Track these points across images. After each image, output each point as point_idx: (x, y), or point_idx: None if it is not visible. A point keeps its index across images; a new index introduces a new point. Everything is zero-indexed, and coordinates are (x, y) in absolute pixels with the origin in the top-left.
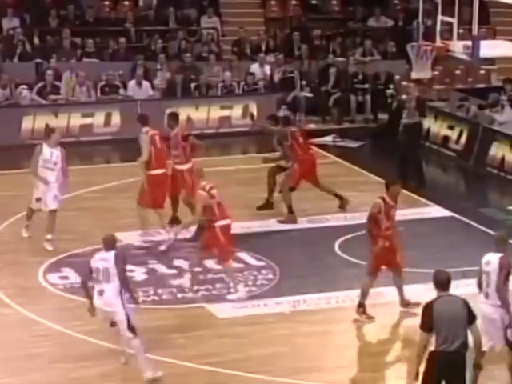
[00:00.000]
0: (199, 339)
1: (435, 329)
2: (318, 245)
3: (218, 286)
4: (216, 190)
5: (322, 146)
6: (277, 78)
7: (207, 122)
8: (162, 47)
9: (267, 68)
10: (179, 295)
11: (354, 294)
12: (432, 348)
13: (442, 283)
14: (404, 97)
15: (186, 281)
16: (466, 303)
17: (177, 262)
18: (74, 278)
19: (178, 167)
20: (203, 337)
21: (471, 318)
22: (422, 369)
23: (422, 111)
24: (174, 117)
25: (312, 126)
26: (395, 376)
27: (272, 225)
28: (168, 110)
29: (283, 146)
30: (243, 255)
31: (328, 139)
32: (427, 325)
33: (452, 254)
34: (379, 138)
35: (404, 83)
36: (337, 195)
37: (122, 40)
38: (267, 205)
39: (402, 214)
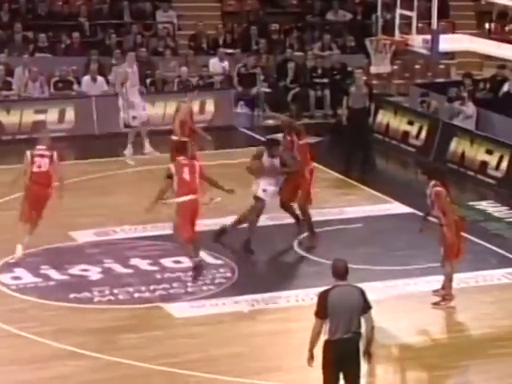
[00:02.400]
0: (156, 339)
1: (329, 317)
2: (278, 243)
3: (175, 285)
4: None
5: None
6: (237, 73)
7: (164, 118)
8: (116, 42)
9: (226, 63)
10: (136, 295)
11: (314, 292)
12: (326, 337)
13: (340, 272)
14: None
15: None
16: (362, 292)
17: (133, 261)
18: (27, 278)
19: None
20: (160, 337)
21: (366, 307)
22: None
23: (370, 97)
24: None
25: (270, 122)
26: None
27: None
28: None
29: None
30: (201, 254)
31: None
32: (322, 312)
33: (412, 251)
34: (339, 133)
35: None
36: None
37: (76, 34)
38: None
39: (361, 211)
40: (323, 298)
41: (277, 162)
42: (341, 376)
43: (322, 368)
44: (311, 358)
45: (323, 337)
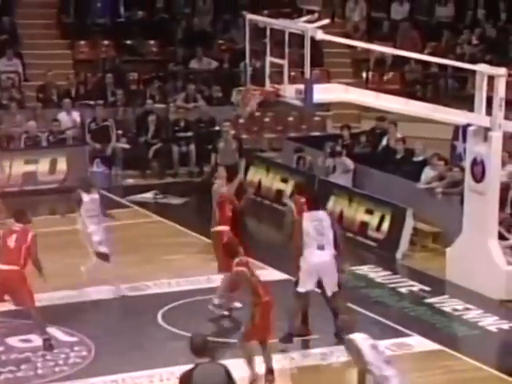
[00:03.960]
0: None
1: None
2: (140, 315)
3: (23, 367)
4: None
5: (142, 204)
6: (88, 129)
7: (9, 178)
8: None
9: (76, 115)
10: None
11: (180, 370)
12: None
13: (199, 349)
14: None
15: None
16: (227, 371)
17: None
18: None
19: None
20: None
21: None
22: None
23: (240, 152)
24: None
25: (130, 182)
26: None
27: (87, 294)
28: None
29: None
30: (52, 330)
31: (148, 196)
32: None
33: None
34: (206, 192)
35: (232, 132)
36: None
37: None
38: None
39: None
40: (186, 379)
41: None
42: None
43: None
44: None
45: None
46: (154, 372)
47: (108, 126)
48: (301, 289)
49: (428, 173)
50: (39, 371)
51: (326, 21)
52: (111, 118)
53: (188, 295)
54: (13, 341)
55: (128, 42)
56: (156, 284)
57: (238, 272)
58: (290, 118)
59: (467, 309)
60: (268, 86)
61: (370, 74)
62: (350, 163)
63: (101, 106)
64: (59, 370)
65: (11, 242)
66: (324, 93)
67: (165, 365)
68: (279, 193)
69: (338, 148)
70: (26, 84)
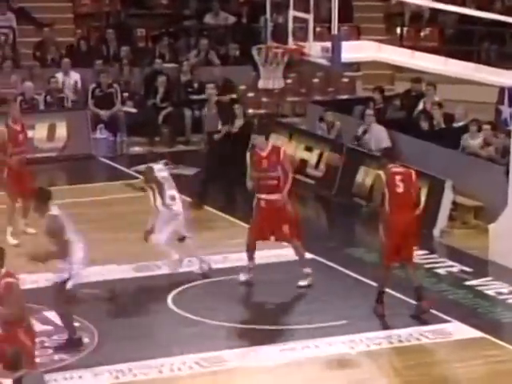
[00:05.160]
0: None
1: None
2: (148, 298)
3: None
4: None
5: None
6: (92, 95)
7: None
8: None
9: (76, 76)
10: None
11: (193, 360)
12: None
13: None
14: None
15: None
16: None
17: None
18: None
19: None
20: None
21: None
22: None
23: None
24: None
25: (137, 150)
26: None
27: (90, 275)
28: None
29: None
30: (51, 315)
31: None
32: None
33: (310, 305)
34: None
35: (251, 94)
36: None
37: None
38: None
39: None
40: None
41: None
42: None
43: None
44: None
45: None
46: (164, 361)
47: (113, 92)
48: None
49: (468, 140)
50: (37, 360)
51: None
52: (115, 78)
53: (201, 276)
54: None
55: None
56: (165, 263)
57: None
58: (315, 80)
59: None
60: (291, 44)
61: (405, 29)
62: (382, 131)
63: (106, 73)
64: (58, 359)
65: None
66: (353, 51)
67: (176, 353)
68: (303, 162)
69: (370, 112)
70: (20, 40)
